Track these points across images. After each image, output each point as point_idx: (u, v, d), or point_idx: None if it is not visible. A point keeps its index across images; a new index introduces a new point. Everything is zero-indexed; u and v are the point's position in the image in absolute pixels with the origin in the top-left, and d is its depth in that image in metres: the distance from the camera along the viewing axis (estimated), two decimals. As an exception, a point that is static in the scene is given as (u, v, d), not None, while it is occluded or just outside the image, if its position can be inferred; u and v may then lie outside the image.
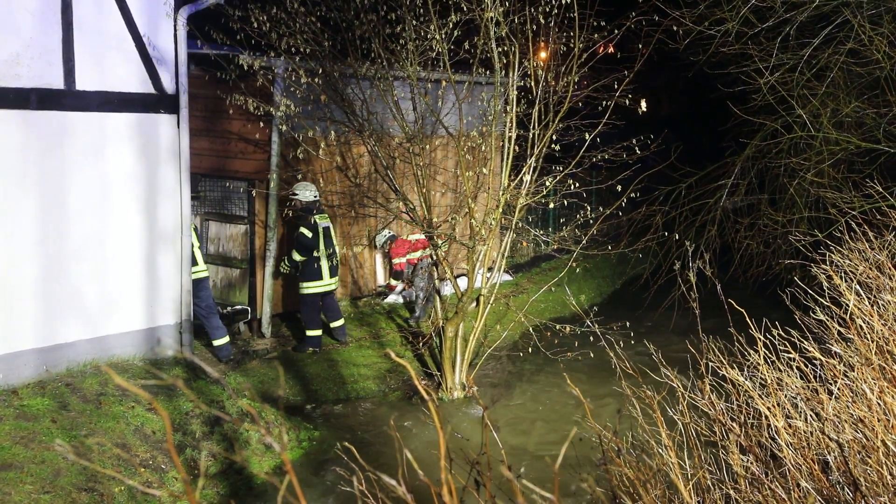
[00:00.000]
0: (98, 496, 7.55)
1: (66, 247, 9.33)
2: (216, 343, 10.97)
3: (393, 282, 13.85)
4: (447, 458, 2.32)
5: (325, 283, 11.75)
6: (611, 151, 10.95)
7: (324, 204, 11.98)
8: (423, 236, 13.18)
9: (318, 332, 11.88)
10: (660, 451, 4.43)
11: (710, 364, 4.95)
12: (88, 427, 8.48)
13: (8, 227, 8.80)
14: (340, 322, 12.30)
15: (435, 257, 11.46)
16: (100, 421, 8.65)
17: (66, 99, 9.20)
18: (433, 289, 13.66)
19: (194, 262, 10.70)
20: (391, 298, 14.07)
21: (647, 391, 4.77)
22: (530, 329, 11.29)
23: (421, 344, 11.91)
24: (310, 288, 11.69)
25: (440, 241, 11.49)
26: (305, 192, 11.55)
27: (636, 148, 10.91)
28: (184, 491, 6.87)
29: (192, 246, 10.70)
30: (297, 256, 11.62)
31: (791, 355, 5.00)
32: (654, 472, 4.26)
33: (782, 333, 5.16)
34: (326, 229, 11.71)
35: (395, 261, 13.53)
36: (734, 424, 4.54)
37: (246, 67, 10.83)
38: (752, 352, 4.97)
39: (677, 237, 12.69)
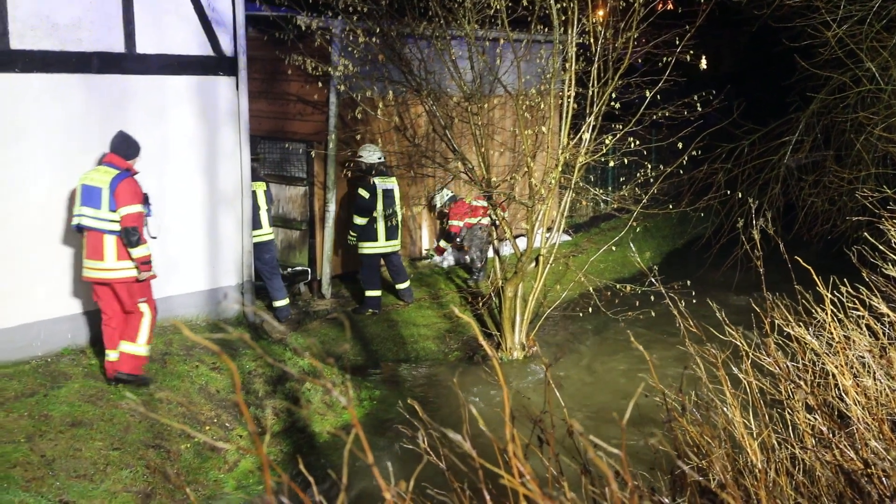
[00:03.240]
0: (165, 453, 7.70)
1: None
2: (276, 304, 11.08)
3: (443, 243, 13.79)
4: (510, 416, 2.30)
5: (381, 245, 11.76)
6: (671, 109, 10.78)
7: (383, 165, 11.98)
8: (485, 203, 13.15)
9: (378, 293, 11.92)
10: (724, 409, 4.38)
11: (776, 322, 4.87)
12: (154, 385, 8.64)
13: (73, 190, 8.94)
14: (405, 284, 12.31)
15: (494, 218, 11.41)
16: (165, 380, 8.81)
17: (127, 62, 9.28)
18: (487, 250, 13.64)
19: (260, 225, 10.79)
20: (438, 259, 13.99)
21: (711, 349, 4.71)
22: (590, 289, 11.21)
23: (480, 304, 11.91)
24: (367, 248, 11.72)
25: (498, 208, 11.41)
26: (369, 154, 11.58)
27: (697, 105, 10.73)
28: (249, 446, 6.98)
29: (260, 208, 10.80)
30: (358, 220, 11.66)
31: (860, 313, 4.89)
32: (719, 431, 4.21)
33: (850, 291, 5.05)
34: (386, 191, 11.70)
35: (453, 222, 13.47)
36: (800, 383, 4.47)
37: (304, 28, 10.83)
38: (818, 309, 4.88)
39: (740, 195, 12.48)
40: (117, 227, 8.18)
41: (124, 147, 8.51)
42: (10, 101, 8.36)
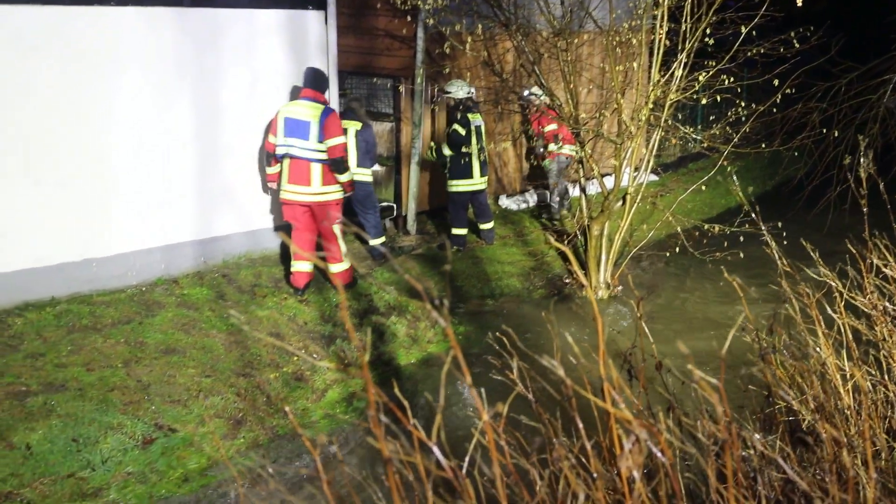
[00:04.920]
0: (254, 382, 7.90)
1: (218, 142, 9.60)
2: (371, 242, 11.10)
3: (553, 147, 13.39)
4: (599, 350, 2.29)
5: (475, 182, 11.72)
6: (767, 45, 10.47)
7: (471, 100, 11.88)
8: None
9: (464, 231, 11.92)
10: (817, 350, 4.31)
11: (873, 263, 4.75)
12: (245, 316, 8.83)
13: (168, 122, 9.10)
14: (490, 224, 12.28)
15: (580, 153, 11.28)
16: (254, 311, 8.99)
17: (219, -5, 9.37)
18: (566, 189, 13.51)
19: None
20: (506, 202, 13.86)
21: (804, 289, 4.62)
22: (678, 229, 11.06)
23: (566, 242, 11.83)
24: (458, 186, 11.69)
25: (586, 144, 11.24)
26: (458, 90, 11.51)
27: (794, 42, 10.41)
28: (338, 368, 7.12)
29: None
30: (446, 150, 11.63)
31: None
32: (812, 371, 4.14)
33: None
34: (478, 127, 11.65)
35: (548, 128, 13.08)
36: (897, 325, 4.37)
37: (392, -39, 10.76)
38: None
39: (836, 135, 12.12)
40: (323, 156, 9.30)
41: (319, 82, 9.55)
42: (107, 32, 8.50)
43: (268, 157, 9.55)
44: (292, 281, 9.58)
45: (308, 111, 9.29)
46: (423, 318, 9.77)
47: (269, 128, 9.55)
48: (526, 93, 13.15)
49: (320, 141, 9.25)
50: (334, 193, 9.49)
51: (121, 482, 6.38)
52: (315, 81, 9.49)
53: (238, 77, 9.64)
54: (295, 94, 10.09)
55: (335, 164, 9.34)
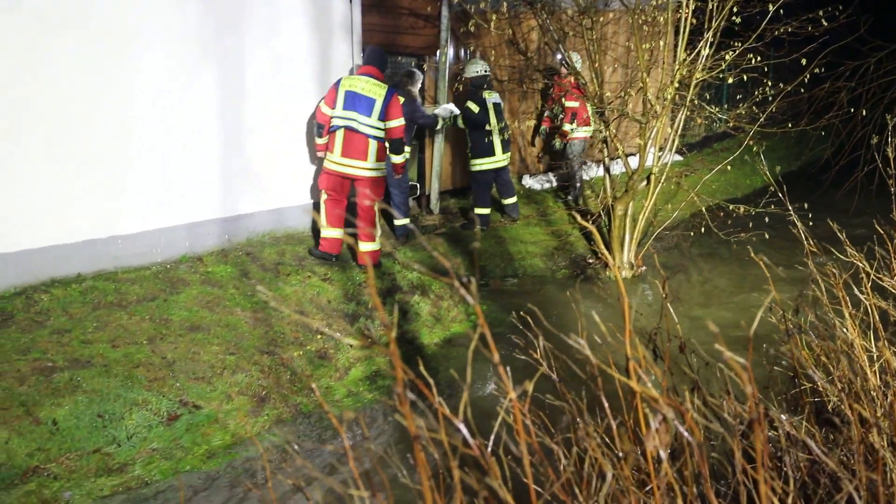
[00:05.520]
0: (278, 359, 7.92)
1: (243, 121, 9.60)
2: (397, 223, 11.12)
3: (567, 127, 13.33)
4: (623, 328, 2.28)
5: (497, 159, 11.72)
6: (794, 24, 10.36)
7: (493, 79, 11.84)
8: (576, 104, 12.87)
9: (487, 211, 11.91)
10: (843, 330, 4.27)
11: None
12: (269, 293, 8.85)
13: (194, 101, 9.10)
14: (513, 199, 12.29)
15: (604, 133, 11.23)
16: (278, 289, 9.02)
17: (243, -26, 9.34)
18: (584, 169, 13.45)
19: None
20: (531, 182, 13.81)
21: (831, 269, 4.58)
22: (702, 209, 11.00)
23: (589, 221, 11.80)
24: (481, 164, 11.68)
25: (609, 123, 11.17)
26: (473, 68, 11.50)
27: (822, 20, 10.29)
28: (363, 345, 7.12)
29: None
30: (460, 123, 11.70)
31: None
32: (838, 351, 4.11)
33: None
34: (496, 105, 11.62)
35: (569, 104, 13.01)
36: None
37: (416, -61, 10.70)
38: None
39: (864, 114, 12.00)
40: (381, 134, 9.57)
41: (382, 61, 9.84)
42: (130, 12, 8.49)
43: (318, 127, 9.64)
44: (325, 248, 9.72)
45: (372, 88, 9.49)
46: (447, 297, 9.77)
47: (325, 99, 9.62)
48: (559, 56, 12.99)
49: (381, 119, 9.47)
50: (381, 171, 9.68)
51: (146, 458, 6.43)
52: (375, 59, 9.76)
53: (262, 56, 9.63)
54: (321, 74, 10.07)
55: (394, 145, 9.69)
